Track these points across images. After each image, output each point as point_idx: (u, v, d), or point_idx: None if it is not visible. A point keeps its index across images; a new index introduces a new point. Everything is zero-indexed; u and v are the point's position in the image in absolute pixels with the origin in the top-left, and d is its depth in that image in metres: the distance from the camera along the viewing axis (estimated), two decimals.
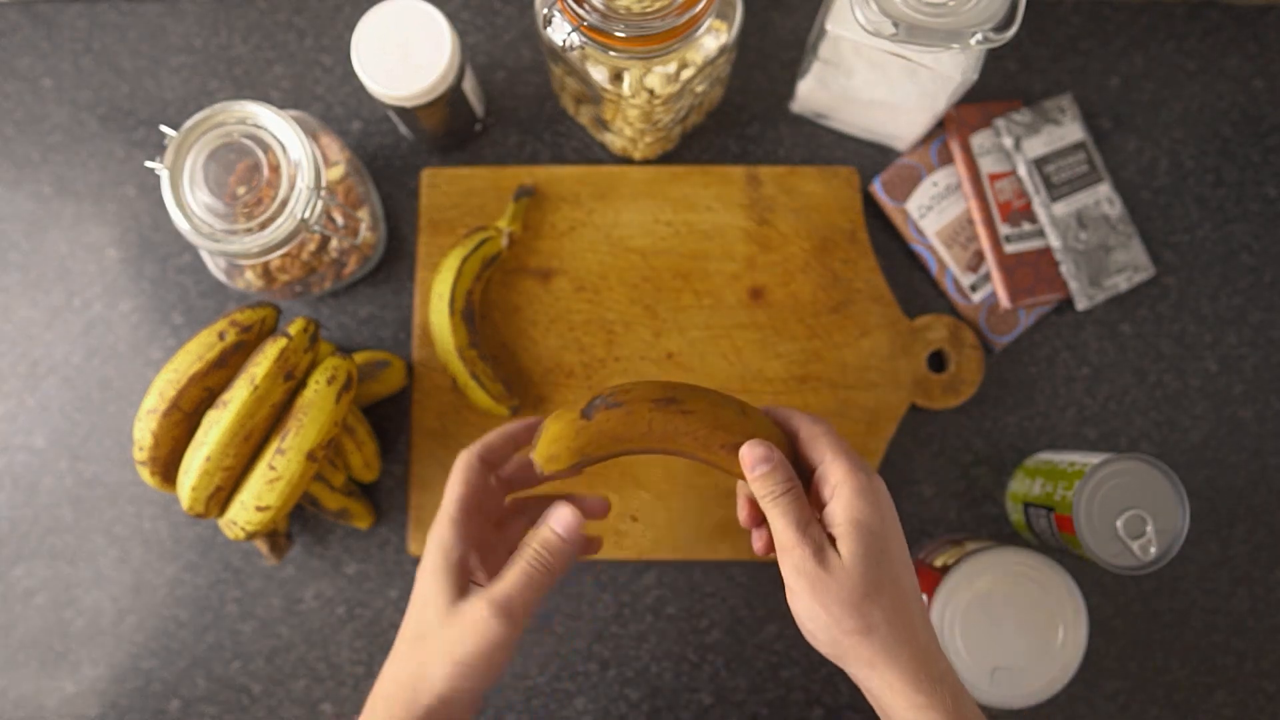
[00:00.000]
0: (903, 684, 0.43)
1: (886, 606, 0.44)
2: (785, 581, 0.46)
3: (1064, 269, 0.67)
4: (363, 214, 0.65)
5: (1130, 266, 0.67)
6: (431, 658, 0.46)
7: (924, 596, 0.52)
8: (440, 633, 0.46)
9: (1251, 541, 0.67)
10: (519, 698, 0.66)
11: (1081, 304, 0.67)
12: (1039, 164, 0.67)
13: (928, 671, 0.43)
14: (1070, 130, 0.68)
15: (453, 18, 0.60)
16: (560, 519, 0.48)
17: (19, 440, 0.68)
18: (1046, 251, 0.67)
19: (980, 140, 0.67)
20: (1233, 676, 0.66)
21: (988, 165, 0.67)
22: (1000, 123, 0.67)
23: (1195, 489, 0.67)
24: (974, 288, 0.68)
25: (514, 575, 0.47)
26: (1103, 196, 0.67)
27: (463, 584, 0.47)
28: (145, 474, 0.59)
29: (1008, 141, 0.67)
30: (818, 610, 0.44)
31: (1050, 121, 0.68)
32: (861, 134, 0.70)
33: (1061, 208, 0.67)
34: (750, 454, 0.46)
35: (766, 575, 0.67)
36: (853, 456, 0.47)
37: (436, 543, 0.48)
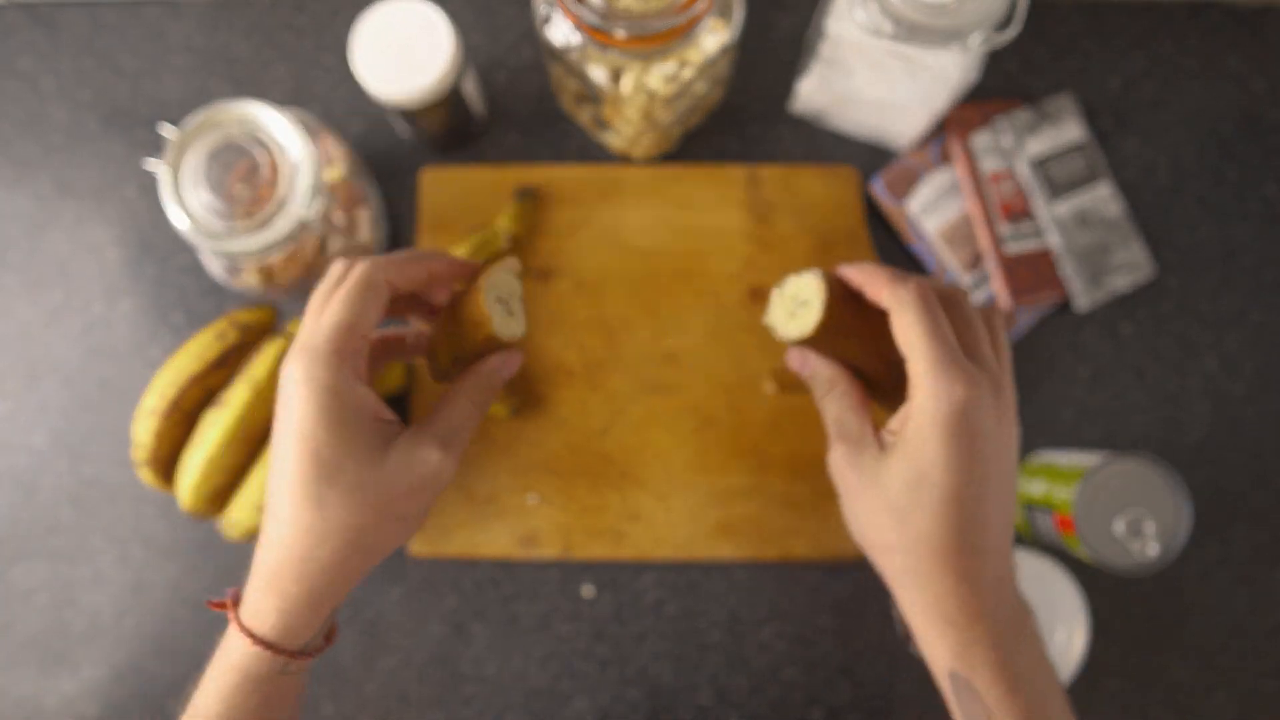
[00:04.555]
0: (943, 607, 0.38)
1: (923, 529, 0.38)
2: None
3: (1064, 269, 0.67)
4: (363, 214, 0.65)
5: (1130, 266, 0.67)
6: (375, 507, 0.39)
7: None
8: (382, 482, 0.39)
9: (1252, 541, 0.67)
10: (519, 698, 0.66)
11: (1082, 304, 0.67)
12: (1039, 164, 0.67)
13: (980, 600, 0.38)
14: (1070, 130, 0.68)
15: (453, 18, 0.60)
16: (511, 359, 0.44)
17: (19, 440, 0.68)
18: (1046, 251, 0.67)
19: (980, 140, 0.67)
20: (1233, 676, 0.66)
21: (988, 165, 0.67)
22: (1001, 122, 0.67)
23: (1195, 489, 0.67)
24: (974, 288, 0.68)
25: (463, 414, 0.42)
26: (1103, 196, 0.67)
27: (381, 424, 0.41)
28: (145, 474, 0.59)
29: (1008, 141, 0.67)
30: (859, 512, 0.40)
31: (1050, 121, 0.68)
32: (861, 134, 0.70)
33: (1062, 207, 0.67)
34: (792, 361, 0.44)
35: (767, 575, 0.67)
36: (936, 348, 0.38)
37: (333, 383, 0.39)
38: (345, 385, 0.39)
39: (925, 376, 0.37)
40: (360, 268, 0.42)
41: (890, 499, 0.38)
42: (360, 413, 0.39)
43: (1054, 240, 0.67)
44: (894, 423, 0.40)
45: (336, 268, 0.43)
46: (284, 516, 0.39)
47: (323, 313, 0.41)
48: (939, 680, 0.40)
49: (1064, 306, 0.69)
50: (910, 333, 0.38)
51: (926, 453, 0.37)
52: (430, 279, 0.44)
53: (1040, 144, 0.67)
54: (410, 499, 0.40)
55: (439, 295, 0.46)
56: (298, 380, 0.39)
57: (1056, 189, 0.67)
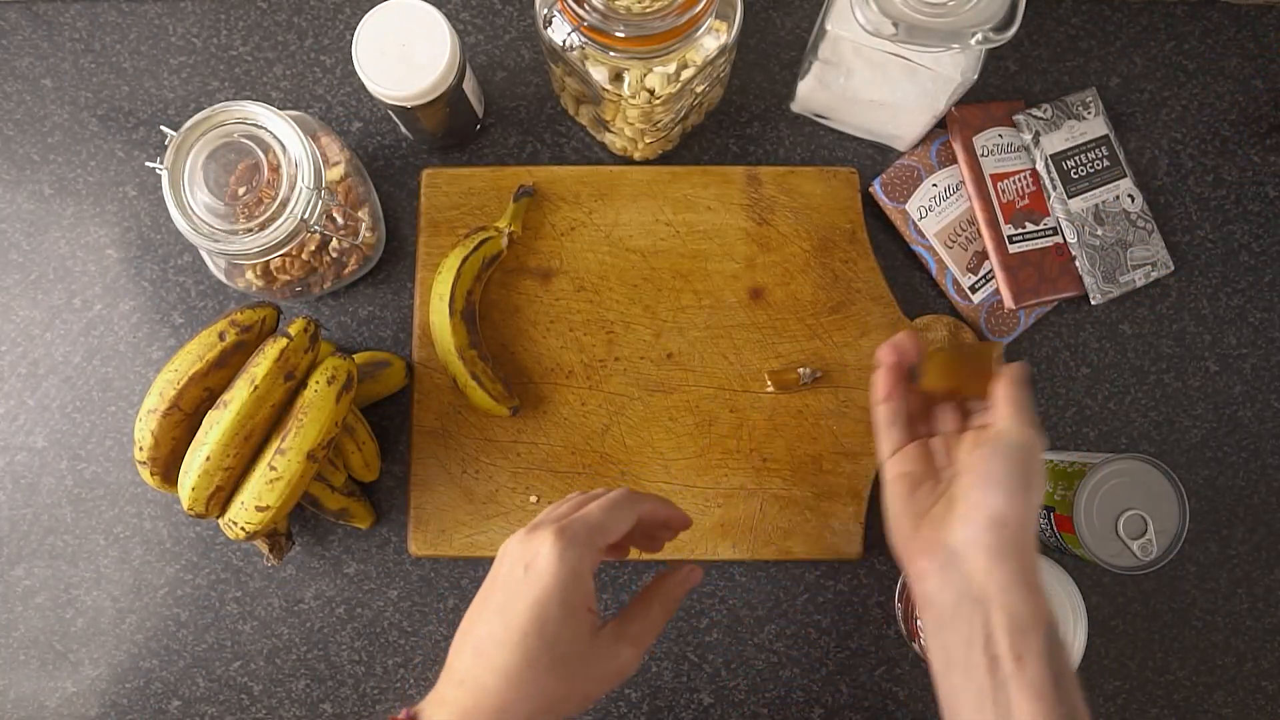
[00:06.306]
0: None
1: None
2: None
3: (1078, 264, 0.67)
4: (363, 214, 0.65)
5: (1149, 262, 0.67)
6: (576, 684, 0.46)
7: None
8: (587, 664, 0.46)
9: (1251, 541, 0.67)
10: None
11: (1096, 299, 0.67)
12: (1056, 159, 0.67)
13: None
14: (1094, 125, 0.67)
15: (453, 18, 0.60)
16: (693, 576, 0.51)
17: (19, 440, 0.68)
18: (1050, 251, 0.67)
19: (983, 141, 0.67)
20: (1233, 676, 0.66)
21: (990, 166, 0.67)
22: (1020, 118, 0.67)
23: (1195, 489, 0.67)
24: (974, 289, 0.68)
25: (655, 619, 0.49)
26: (1124, 191, 0.67)
27: (592, 615, 0.47)
28: (145, 474, 0.59)
29: (1026, 137, 0.67)
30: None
31: (1073, 117, 0.67)
32: (861, 134, 0.70)
33: (1078, 203, 0.67)
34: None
35: (766, 575, 0.67)
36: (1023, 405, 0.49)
37: (579, 569, 0.46)
38: (585, 573, 0.45)
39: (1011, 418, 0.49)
40: (620, 490, 0.50)
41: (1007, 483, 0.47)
42: (585, 600, 0.46)
43: (1069, 235, 0.67)
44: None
45: (577, 496, 0.51)
46: (497, 664, 0.44)
47: (580, 511, 0.48)
48: (1023, 632, 0.44)
49: (1064, 306, 0.69)
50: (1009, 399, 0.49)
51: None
52: (667, 521, 0.52)
53: (1059, 139, 0.67)
54: (599, 684, 0.46)
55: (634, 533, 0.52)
56: (553, 555, 0.45)
57: (1074, 184, 0.67)
